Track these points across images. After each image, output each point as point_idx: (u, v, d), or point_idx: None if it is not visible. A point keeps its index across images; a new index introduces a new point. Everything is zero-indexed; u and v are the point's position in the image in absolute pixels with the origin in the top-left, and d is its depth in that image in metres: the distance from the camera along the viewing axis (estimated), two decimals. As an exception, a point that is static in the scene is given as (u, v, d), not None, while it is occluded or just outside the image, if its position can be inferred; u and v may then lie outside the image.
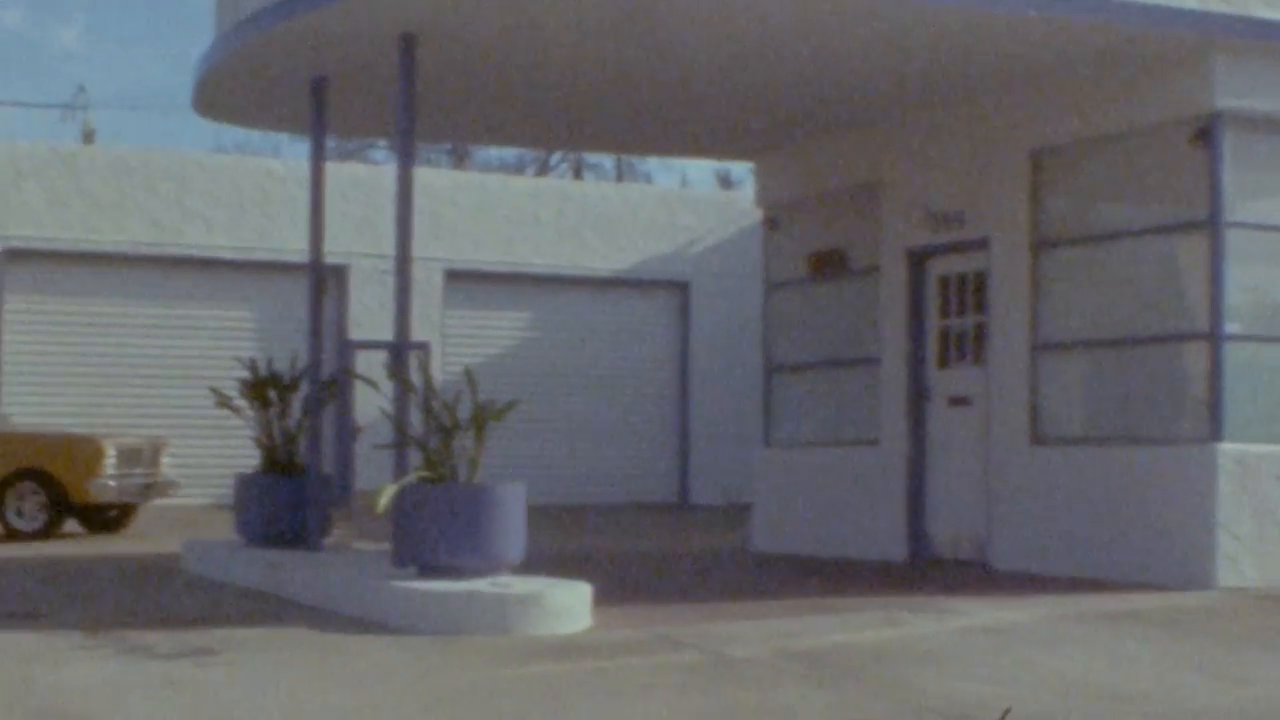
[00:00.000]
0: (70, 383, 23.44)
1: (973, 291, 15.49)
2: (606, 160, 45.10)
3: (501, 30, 12.75)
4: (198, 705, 8.17)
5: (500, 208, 26.08)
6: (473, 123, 16.90)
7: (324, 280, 14.74)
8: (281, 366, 14.58)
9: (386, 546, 12.33)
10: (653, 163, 46.42)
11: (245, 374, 14.49)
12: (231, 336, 23.63)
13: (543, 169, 45.40)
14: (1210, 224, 13.15)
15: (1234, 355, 13.12)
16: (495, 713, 8.12)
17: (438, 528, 11.00)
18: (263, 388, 14.37)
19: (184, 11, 70.39)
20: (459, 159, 43.27)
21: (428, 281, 24.32)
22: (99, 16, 70.36)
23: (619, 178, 44.37)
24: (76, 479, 18.63)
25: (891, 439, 16.04)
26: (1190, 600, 12.23)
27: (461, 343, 25.04)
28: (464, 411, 11.62)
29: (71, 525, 19.54)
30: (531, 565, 11.51)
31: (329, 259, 15.86)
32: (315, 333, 14.47)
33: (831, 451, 16.88)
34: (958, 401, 15.56)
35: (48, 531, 18.65)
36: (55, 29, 69.48)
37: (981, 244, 15.24)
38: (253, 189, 24.45)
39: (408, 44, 12.45)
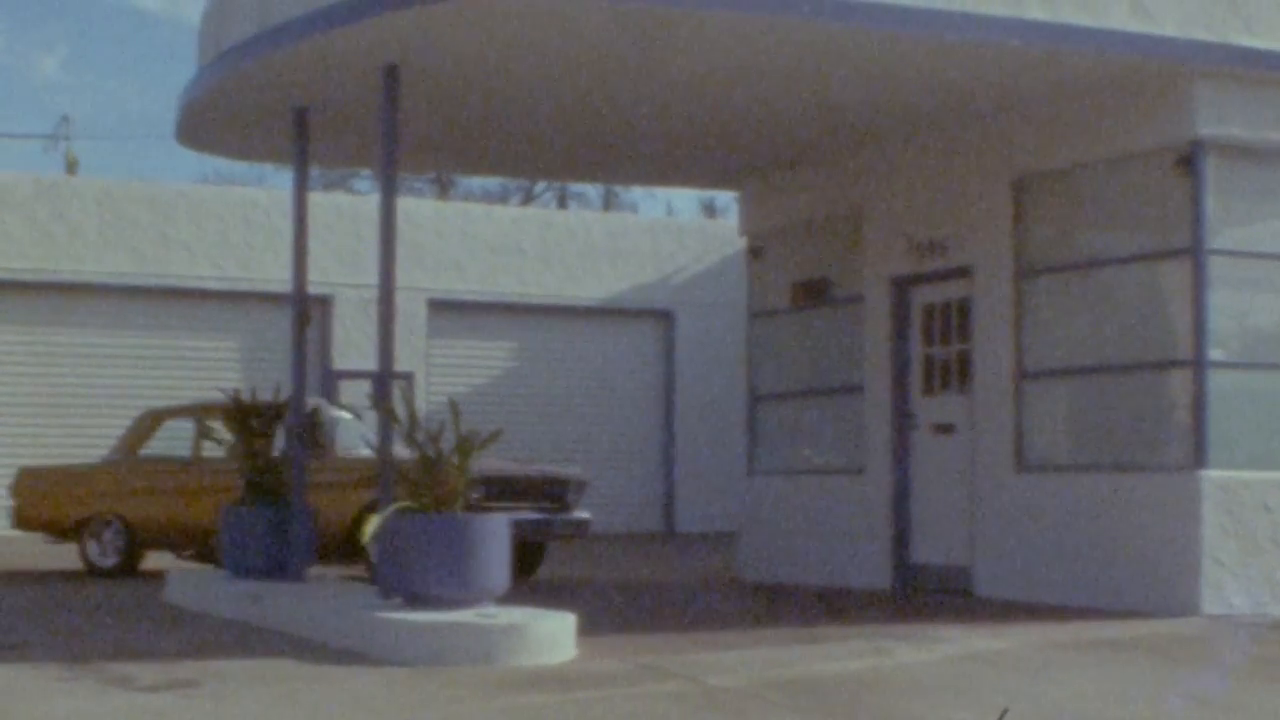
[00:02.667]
0: (54, 414, 23.36)
1: (957, 319, 15.50)
2: (591, 189, 45.16)
3: (485, 61, 12.76)
4: (180, 738, 8.12)
5: (484, 237, 26.09)
6: (456, 153, 16.91)
7: (307, 310, 14.70)
8: (265, 397, 14.54)
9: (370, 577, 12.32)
10: (638, 192, 46.49)
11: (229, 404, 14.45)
12: (215, 366, 23.59)
13: (527, 198, 45.42)
14: (1193, 251, 13.18)
15: (1218, 382, 13.13)
16: (479, 744, 8.07)
17: (422, 558, 10.96)
18: (246, 418, 14.33)
19: (167, 42, 70.45)
20: (443, 188, 43.30)
21: (411, 311, 24.29)
22: (81, 47, 70.40)
23: (604, 207, 44.41)
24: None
25: (876, 467, 16.03)
26: (1176, 628, 12.21)
27: (445, 372, 25.03)
28: (448, 442, 11.60)
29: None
30: (516, 595, 11.47)
31: (312, 289, 15.84)
32: (299, 363, 14.44)
33: (817, 480, 16.87)
34: (942, 429, 15.56)
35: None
36: (36, 59, 69.49)
37: (965, 272, 15.26)
38: (236, 219, 24.44)
39: (391, 75, 12.45)
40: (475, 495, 15.56)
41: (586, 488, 17.59)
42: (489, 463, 16.55)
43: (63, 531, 18.21)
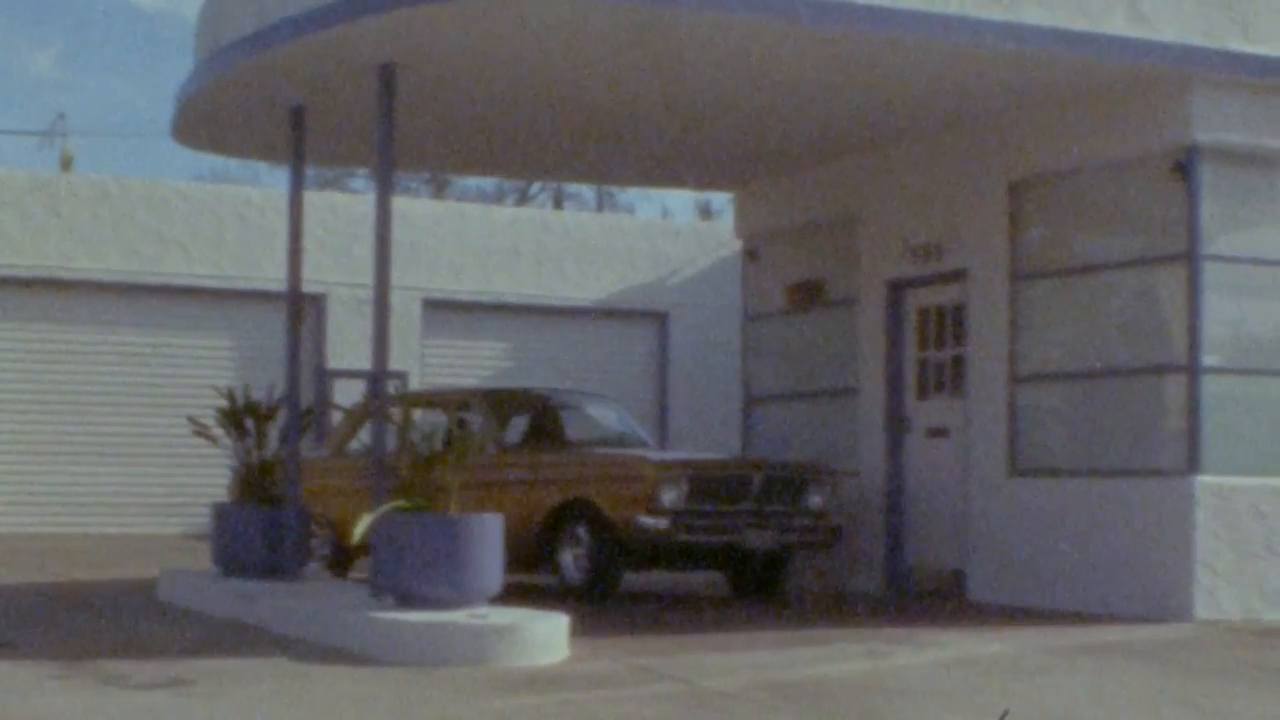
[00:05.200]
0: (47, 411, 23.34)
1: (951, 323, 15.51)
2: (586, 190, 45.15)
3: (481, 61, 12.76)
4: (172, 737, 8.12)
5: (479, 237, 26.07)
6: (452, 152, 16.90)
7: (302, 309, 14.70)
8: (259, 395, 14.53)
9: (364, 576, 12.30)
10: (633, 193, 46.47)
11: (223, 402, 14.44)
12: (209, 365, 23.56)
13: (522, 199, 45.41)
14: (1189, 256, 13.19)
15: (1212, 388, 13.14)
16: (472, 745, 8.07)
17: (414, 558, 10.96)
18: (240, 417, 14.32)
19: (163, 39, 70.41)
20: (438, 188, 43.28)
21: (406, 311, 24.28)
22: (76, 43, 70.34)
23: (599, 208, 44.39)
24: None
25: (870, 470, 16.04)
26: (1168, 633, 12.22)
27: (440, 372, 25.00)
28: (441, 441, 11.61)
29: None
30: (510, 597, 11.46)
31: (307, 288, 15.84)
32: (293, 361, 14.43)
33: (810, 482, 16.84)
34: (936, 433, 15.56)
35: (598, 585, 14.16)
36: (31, 54, 69.40)
37: (960, 276, 15.26)
38: (231, 217, 24.41)
39: (387, 74, 12.45)
40: (672, 496, 13.85)
41: (835, 482, 15.14)
42: (678, 455, 15.05)
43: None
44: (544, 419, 16.33)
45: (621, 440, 16.09)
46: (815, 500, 14.71)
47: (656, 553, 14.12)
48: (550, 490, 14.39)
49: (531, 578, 14.96)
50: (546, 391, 16.88)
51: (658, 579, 16.75)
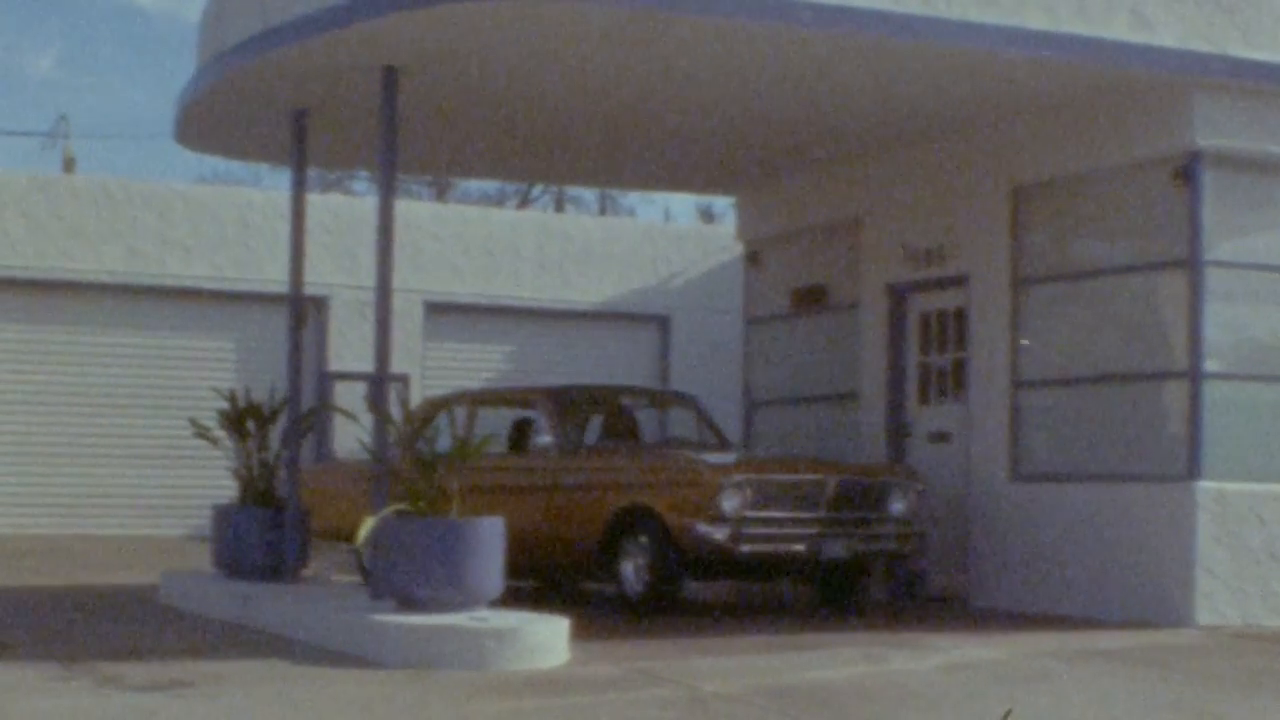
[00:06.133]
0: (48, 412, 23.33)
1: (953, 328, 15.50)
2: (588, 193, 45.12)
3: (483, 64, 12.76)
4: (172, 739, 8.12)
5: (481, 240, 26.06)
6: (454, 155, 16.91)
7: (304, 311, 14.69)
8: (260, 397, 14.53)
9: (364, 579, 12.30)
10: (635, 196, 46.47)
11: (224, 405, 14.43)
12: (210, 367, 23.55)
13: (524, 202, 45.40)
14: (1190, 262, 13.18)
15: (1213, 393, 13.14)
16: (471, 748, 8.06)
17: (415, 561, 10.96)
18: (241, 419, 14.31)
19: (165, 41, 70.44)
20: (440, 191, 43.28)
21: (408, 313, 24.28)
22: (78, 44, 70.36)
23: (601, 211, 44.39)
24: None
25: (871, 475, 16.00)
26: (1169, 638, 12.21)
27: (441, 375, 24.97)
28: (443, 445, 11.61)
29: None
30: (510, 600, 11.46)
31: (309, 290, 15.83)
32: (294, 364, 14.43)
33: (811, 487, 16.82)
34: (938, 438, 15.56)
35: (657, 597, 13.27)
36: (32, 56, 69.42)
37: (962, 280, 15.26)
38: (233, 219, 24.40)
39: (389, 77, 12.45)
40: (734, 503, 12.86)
41: (919, 491, 13.96)
42: (747, 457, 14.13)
43: (348, 539, 14.95)
44: (613, 418, 15.43)
45: (695, 441, 15.20)
46: (897, 505, 13.71)
47: (719, 563, 13.23)
48: (610, 495, 13.55)
49: (600, 586, 14.40)
50: (617, 389, 15.92)
51: (743, 586, 16.08)
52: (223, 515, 14.21)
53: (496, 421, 15.05)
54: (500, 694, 9.36)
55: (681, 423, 15.98)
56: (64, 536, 22.25)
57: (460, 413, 15.13)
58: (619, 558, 13.42)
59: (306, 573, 14.12)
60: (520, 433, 14.80)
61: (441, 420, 15.02)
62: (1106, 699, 9.69)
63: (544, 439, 14.20)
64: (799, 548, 13.13)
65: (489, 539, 11.09)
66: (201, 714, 8.69)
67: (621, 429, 15.32)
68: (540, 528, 13.99)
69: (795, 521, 13.15)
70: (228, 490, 15.02)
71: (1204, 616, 12.78)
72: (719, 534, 12.79)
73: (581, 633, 11.14)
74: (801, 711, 9.03)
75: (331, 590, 13.32)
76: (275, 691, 9.42)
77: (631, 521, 13.32)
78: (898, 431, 15.90)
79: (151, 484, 23.15)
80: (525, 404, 15.06)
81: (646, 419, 15.91)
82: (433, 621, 10.59)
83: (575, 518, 13.69)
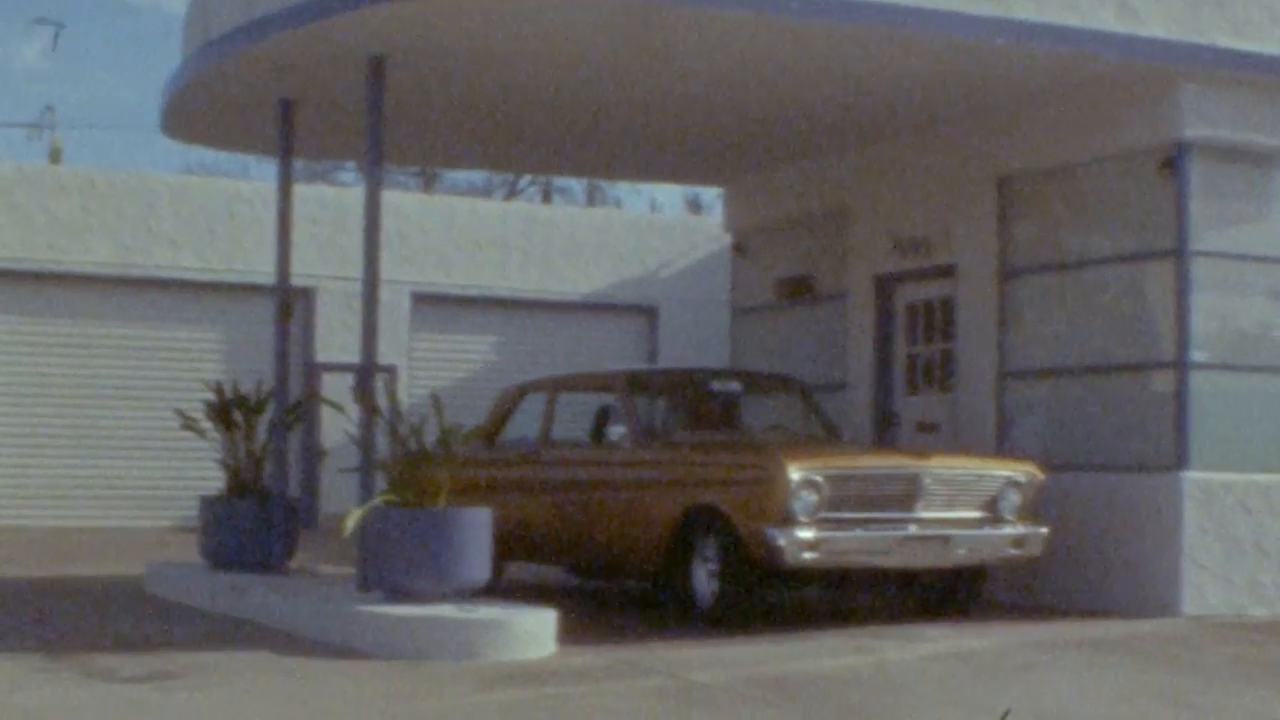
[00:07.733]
0: (35, 403, 23.28)
1: (940, 318, 15.50)
2: (576, 184, 45.09)
3: (471, 54, 12.74)
4: (159, 730, 8.11)
5: (468, 231, 26.02)
6: (442, 146, 16.89)
7: (291, 302, 14.67)
8: (247, 388, 14.50)
9: (351, 570, 12.28)
10: (622, 187, 46.45)
11: (211, 396, 14.41)
12: (197, 358, 23.49)
13: (511, 193, 45.36)
14: (1177, 252, 13.19)
15: (1200, 383, 13.15)
16: (459, 739, 8.06)
17: (403, 552, 10.96)
18: (228, 410, 14.29)
19: (151, 32, 70.25)
20: (427, 182, 43.23)
21: (395, 304, 24.23)
22: (63, 35, 70.14)
23: (589, 202, 44.37)
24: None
25: (859, 465, 16.00)
26: (1156, 628, 12.23)
27: (428, 366, 24.95)
28: (430, 435, 11.60)
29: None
30: (497, 591, 11.45)
31: (296, 281, 15.79)
32: (281, 355, 14.41)
33: (798, 477, 16.81)
34: (925, 428, 15.55)
35: (723, 609, 11.91)
36: (17, 46, 69.20)
37: (949, 271, 15.26)
38: (220, 210, 24.34)
39: (376, 67, 12.43)
40: (807, 503, 11.37)
41: (1039, 489, 12.50)
42: (835, 449, 12.69)
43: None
44: (704, 405, 14.25)
45: (794, 432, 13.97)
46: (1012, 501, 12.26)
47: (797, 572, 11.69)
48: (677, 493, 12.17)
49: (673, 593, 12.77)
50: (710, 372, 14.48)
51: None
52: (210, 506, 14.20)
53: (582, 407, 14.20)
54: (490, 684, 9.36)
55: (785, 410, 14.70)
56: (50, 528, 22.20)
57: (541, 399, 14.35)
58: (688, 563, 12.14)
59: (293, 564, 14.10)
60: (601, 421, 13.42)
61: (526, 406, 14.29)
62: (1094, 688, 9.70)
63: (617, 429, 12.94)
64: (887, 557, 11.73)
65: (476, 529, 11.08)
66: (188, 706, 8.68)
67: (715, 418, 14.16)
68: (607, 526, 12.98)
69: (882, 523, 11.69)
70: (215, 481, 15.00)
71: (1191, 606, 12.79)
72: (787, 540, 11.27)
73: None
74: (793, 701, 9.04)
75: (319, 581, 13.31)
76: (262, 683, 9.41)
77: (700, 523, 12.00)
78: (885, 422, 15.90)
79: (138, 475, 23.10)
80: (607, 389, 13.88)
81: (745, 406, 14.65)
82: (420, 613, 10.59)
83: (641, 517, 12.52)
